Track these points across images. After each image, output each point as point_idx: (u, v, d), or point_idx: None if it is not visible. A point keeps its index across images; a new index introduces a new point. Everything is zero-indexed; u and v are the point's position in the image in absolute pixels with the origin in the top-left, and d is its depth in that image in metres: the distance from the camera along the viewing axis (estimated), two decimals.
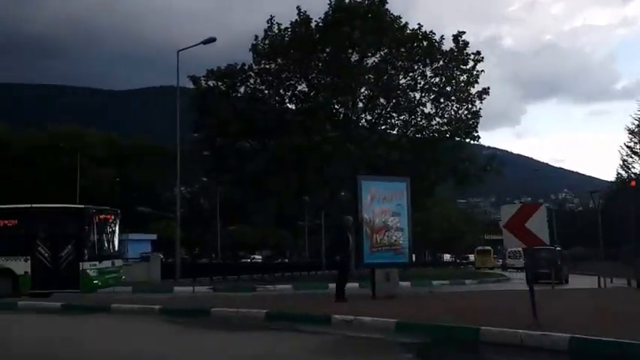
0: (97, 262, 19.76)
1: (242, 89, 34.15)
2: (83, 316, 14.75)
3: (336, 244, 15.87)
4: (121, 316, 14.35)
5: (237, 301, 16.54)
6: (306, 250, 74.97)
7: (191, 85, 34.65)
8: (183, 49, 31.73)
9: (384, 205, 17.41)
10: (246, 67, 33.94)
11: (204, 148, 34.24)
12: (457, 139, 35.37)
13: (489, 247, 77.21)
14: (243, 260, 62.36)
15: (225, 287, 26.27)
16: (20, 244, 19.73)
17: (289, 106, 34.23)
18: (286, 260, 65.60)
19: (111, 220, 21.24)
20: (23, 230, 19.97)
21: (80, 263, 19.27)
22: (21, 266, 19.44)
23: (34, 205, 21.04)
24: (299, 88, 33.80)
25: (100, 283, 20.04)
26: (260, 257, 73.86)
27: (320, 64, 32.73)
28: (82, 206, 21.68)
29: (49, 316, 14.70)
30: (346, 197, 32.57)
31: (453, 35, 35.32)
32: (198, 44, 31.03)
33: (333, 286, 26.32)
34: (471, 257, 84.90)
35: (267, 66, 33.80)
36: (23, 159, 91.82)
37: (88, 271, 19.36)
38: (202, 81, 33.74)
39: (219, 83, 33.93)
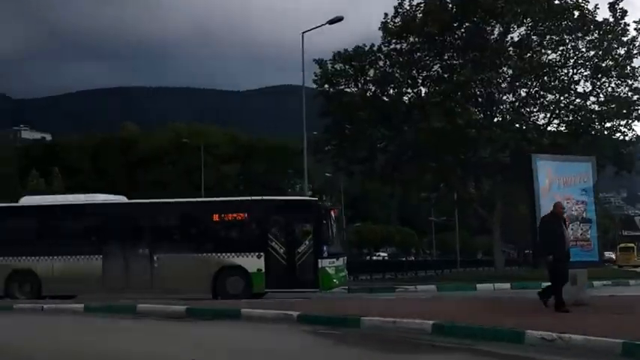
0: (334, 259, 18.29)
1: (371, 72, 31.39)
2: (207, 323, 12.51)
3: (546, 239, 12.25)
4: (252, 325, 11.99)
5: (384, 306, 13.84)
6: (433, 247, 71.36)
7: (315, 86, 32.40)
8: (308, 30, 29.62)
9: (566, 191, 13.93)
10: (375, 49, 31.19)
11: (331, 137, 31.84)
12: (618, 120, 30.76)
13: (632, 244, 70.48)
14: (374, 257, 59.82)
15: (361, 287, 23.84)
16: (252, 239, 18.39)
17: (422, 89, 31.07)
18: (412, 258, 62.37)
19: (337, 215, 19.90)
20: (255, 224, 18.65)
21: (319, 260, 17.68)
22: (253, 263, 17.95)
23: (265, 198, 19.90)
24: (434, 68, 30.61)
25: (337, 282, 18.51)
26: (385, 255, 71.13)
27: (458, 41, 29.33)
28: (316, 199, 21.00)
29: (166, 323, 12.60)
30: (496, 186, 29.13)
31: (609, 3, 30.87)
32: (325, 24, 28.78)
33: (482, 286, 23.57)
34: (609, 254, 77.94)
35: (398, 46, 30.87)
36: (150, 158, 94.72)
37: (327, 268, 17.81)
38: (329, 64, 31.36)
39: (347, 67, 31.41)
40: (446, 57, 30.31)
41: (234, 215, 18.80)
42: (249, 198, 20.40)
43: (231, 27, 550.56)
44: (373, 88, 31.47)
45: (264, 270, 17.85)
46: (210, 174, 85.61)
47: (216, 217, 18.86)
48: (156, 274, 18.35)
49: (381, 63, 31.40)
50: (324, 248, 17.88)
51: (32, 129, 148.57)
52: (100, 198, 20.89)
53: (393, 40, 30.84)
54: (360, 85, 31.60)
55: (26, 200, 21.41)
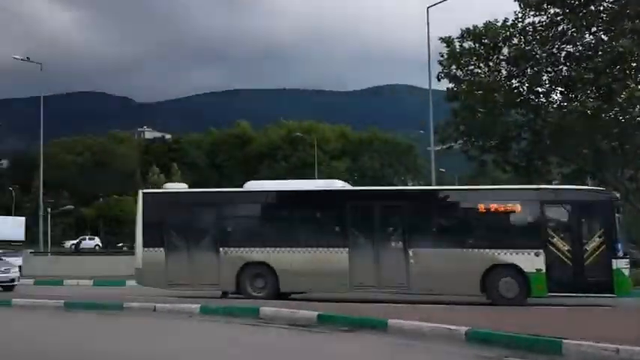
0: (627, 259, 16.13)
1: (505, 50, 28.13)
2: (344, 337, 10.22)
3: None
4: (403, 343, 9.33)
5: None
6: None
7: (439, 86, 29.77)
8: (433, 5, 27.06)
9: None
10: (508, 24, 27.92)
11: (460, 124, 28.93)
12: None
13: None
14: None
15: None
16: (527, 234, 16.41)
17: (565, 67, 27.41)
18: None
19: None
20: (531, 216, 16.62)
21: (613, 260, 15.51)
22: (531, 261, 15.81)
23: (544, 186, 17.99)
24: (578, 43, 26.91)
25: (631, 286, 16.48)
26: None
27: (613, 5, 25.52)
28: (605, 190, 18.78)
29: (291, 333, 10.47)
30: None
31: None
32: None
33: None
34: None
35: (537, 19, 27.44)
36: (264, 154, 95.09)
37: (623, 270, 15.62)
38: (456, 42, 28.44)
39: (477, 45, 28.34)
40: (594, 29, 26.52)
41: (506, 205, 16.50)
42: (524, 186, 18.52)
43: (342, 29, 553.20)
44: (507, 68, 28.20)
45: (544, 270, 15.60)
46: (321, 170, 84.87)
47: (484, 207, 16.61)
48: (412, 271, 16.34)
49: (515, 40, 28.07)
50: (619, 246, 15.64)
51: (153, 129, 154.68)
52: (338, 184, 19.32)
53: (531, 13, 27.43)
54: (491, 65, 28.43)
55: (252, 185, 19.65)
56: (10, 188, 74.92)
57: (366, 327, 10.58)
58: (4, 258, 26.12)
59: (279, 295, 16.75)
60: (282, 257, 17.03)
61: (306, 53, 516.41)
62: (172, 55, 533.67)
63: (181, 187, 20.87)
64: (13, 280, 22.98)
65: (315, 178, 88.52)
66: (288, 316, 11.84)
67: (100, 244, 67.33)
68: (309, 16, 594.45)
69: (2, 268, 23.18)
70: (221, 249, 17.35)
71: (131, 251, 24.76)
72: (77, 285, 25.52)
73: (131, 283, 20.73)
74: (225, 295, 17.70)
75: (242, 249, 17.36)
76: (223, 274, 17.16)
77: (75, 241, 65.19)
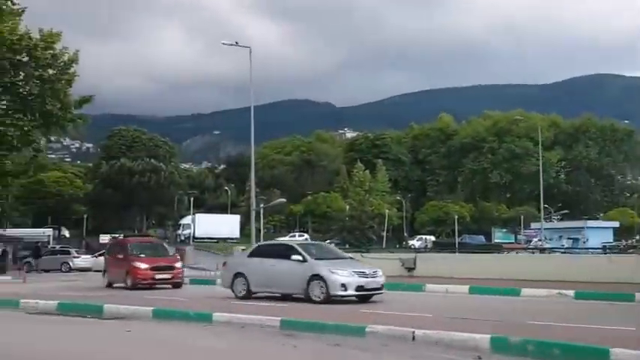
0: None
1: None
2: None
3: None
4: None
5: None
6: None
7: None
8: None
9: None
10: None
11: None
12: None
13: None
14: None
15: None
16: None
17: None
18: None
19: None
20: None
21: None
22: None
23: None
24: None
25: None
26: None
27: None
28: None
29: None
30: None
31: None
32: None
33: None
34: None
35: None
36: (469, 146, 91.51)
37: None
38: None
39: None
40: None
41: None
42: None
43: (536, 24, 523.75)
44: None
45: None
46: (530, 161, 79.40)
47: None
48: None
49: None
50: None
51: (354, 130, 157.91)
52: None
53: None
54: None
55: None
56: (226, 188, 79.91)
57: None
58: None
59: None
60: None
61: (497, 48, 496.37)
62: (367, 60, 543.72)
63: None
64: (379, 289, 15.24)
65: (524, 171, 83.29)
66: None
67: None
68: (498, 9, 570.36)
69: (369, 271, 15.28)
70: None
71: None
72: None
73: None
74: None
75: None
76: None
77: (284, 238, 67.42)
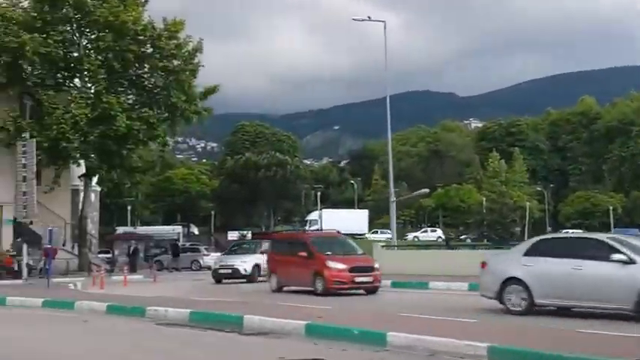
0: None
1: None
2: None
3: None
4: None
5: None
6: None
7: None
8: None
9: None
10: None
11: None
12: None
13: None
14: None
15: None
16: None
17: None
18: None
19: None
20: None
21: None
22: None
23: None
24: None
25: None
26: None
27: None
28: None
29: None
30: None
31: None
32: None
33: None
34: None
35: None
36: (615, 131, 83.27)
37: None
38: None
39: None
40: None
41: None
42: None
43: None
44: None
45: None
46: None
47: None
48: None
49: None
50: None
51: (480, 120, 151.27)
52: None
53: None
54: None
55: None
56: (352, 182, 77.22)
57: None
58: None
59: None
60: None
61: (629, 29, 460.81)
62: (488, 48, 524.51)
63: None
64: None
65: None
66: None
67: (443, 236, 64.81)
68: None
69: None
70: None
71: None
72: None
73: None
74: None
75: None
76: None
77: (416, 233, 63.65)
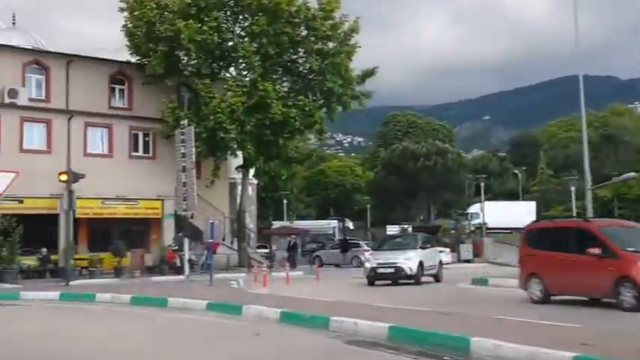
0: None
1: None
2: None
3: None
4: None
5: None
6: None
7: None
8: None
9: None
10: None
11: None
12: None
13: None
14: None
15: None
16: None
17: None
18: None
19: None
20: None
21: None
22: None
23: None
24: None
25: None
26: None
27: None
28: None
29: None
30: None
31: None
32: None
33: None
34: None
35: None
36: None
37: None
38: None
39: None
40: None
41: None
42: None
43: None
44: None
45: None
46: None
47: None
48: None
49: None
50: None
51: None
52: None
53: None
54: None
55: None
56: (516, 171, 71.60)
57: None
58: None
59: None
60: None
61: None
62: None
63: None
64: None
65: None
66: None
67: None
68: None
69: None
70: None
71: None
72: None
73: None
74: None
75: None
76: None
77: None
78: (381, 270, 20.07)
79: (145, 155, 30.20)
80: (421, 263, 20.19)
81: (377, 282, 20.31)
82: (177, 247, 27.55)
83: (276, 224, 49.32)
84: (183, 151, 24.72)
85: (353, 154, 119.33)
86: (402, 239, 24.72)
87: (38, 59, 29.63)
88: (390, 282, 20.37)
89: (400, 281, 20.05)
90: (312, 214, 65.83)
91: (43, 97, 29.21)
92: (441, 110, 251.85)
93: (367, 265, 20.82)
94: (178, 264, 26.88)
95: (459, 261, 36.21)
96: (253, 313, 11.75)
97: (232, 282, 21.36)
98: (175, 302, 14.12)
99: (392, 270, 19.89)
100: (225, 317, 11.92)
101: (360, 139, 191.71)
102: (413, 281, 19.87)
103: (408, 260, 19.96)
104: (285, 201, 55.23)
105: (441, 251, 27.52)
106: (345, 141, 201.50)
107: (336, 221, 49.48)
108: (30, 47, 31.39)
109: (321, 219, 56.32)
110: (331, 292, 17.11)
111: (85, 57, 30.89)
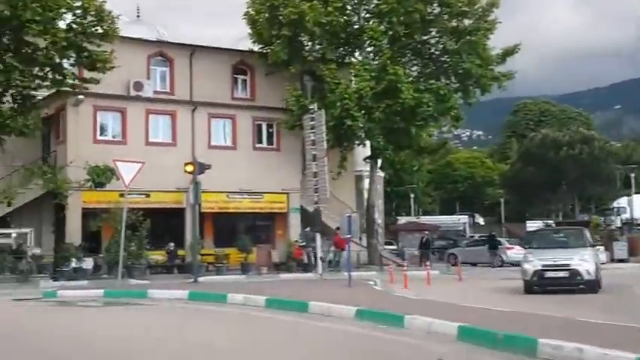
0: None
1: None
2: None
3: None
4: None
5: None
6: None
7: None
8: None
9: None
10: None
11: None
12: None
13: None
14: None
15: None
16: None
17: None
18: None
19: None
20: None
21: None
22: None
23: None
24: None
25: None
26: None
27: None
28: None
29: None
30: None
31: None
32: None
33: None
34: None
35: None
36: None
37: None
38: None
39: None
40: None
41: None
42: None
43: None
44: None
45: None
46: None
47: None
48: None
49: None
50: None
51: None
52: None
53: None
54: None
55: None
56: None
57: None
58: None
59: None
60: None
61: None
62: None
63: None
64: None
65: None
66: None
67: None
68: None
69: None
70: None
71: None
72: None
73: None
74: None
75: None
76: None
77: None
78: (550, 274, 15.70)
79: (269, 147, 28.79)
80: (596, 265, 16.16)
81: (545, 289, 15.88)
82: (304, 243, 26.01)
83: (402, 220, 46.83)
84: (313, 137, 22.90)
85: (475, 148, 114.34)
86: (562, 235, 20.19)
87: (162, 50, 29.03)
88: (555, 288, 15.84)
89: (576, 289, 15.67)
90: (436, 208, 62.64)
91: (167, 89, 28.58)
92: (570, 99, 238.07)
93: (527, 266, 16.01)
94: (306, 261, 25.48)
95: (612, 260, 32.18)
96: (420, 326, 9.43)
97: (370, 282, 19.23)
98: (317, 307, 12.07)
99: (566, 274, 15.64)
100: (382, 329, 9.68)
101: (479, 133, 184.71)
102: (586, 287, 15.58)
103: (585, 262, 15.65)
104: (412, 195, 52.50)
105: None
106: (463, 134, 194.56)
107: (466, 217, 46.35)
108: (154, 39, 30.84)
109: (448, 214, 53.20)
110: (489, 298, 14.51)
111: (208, 47, 30.02)
